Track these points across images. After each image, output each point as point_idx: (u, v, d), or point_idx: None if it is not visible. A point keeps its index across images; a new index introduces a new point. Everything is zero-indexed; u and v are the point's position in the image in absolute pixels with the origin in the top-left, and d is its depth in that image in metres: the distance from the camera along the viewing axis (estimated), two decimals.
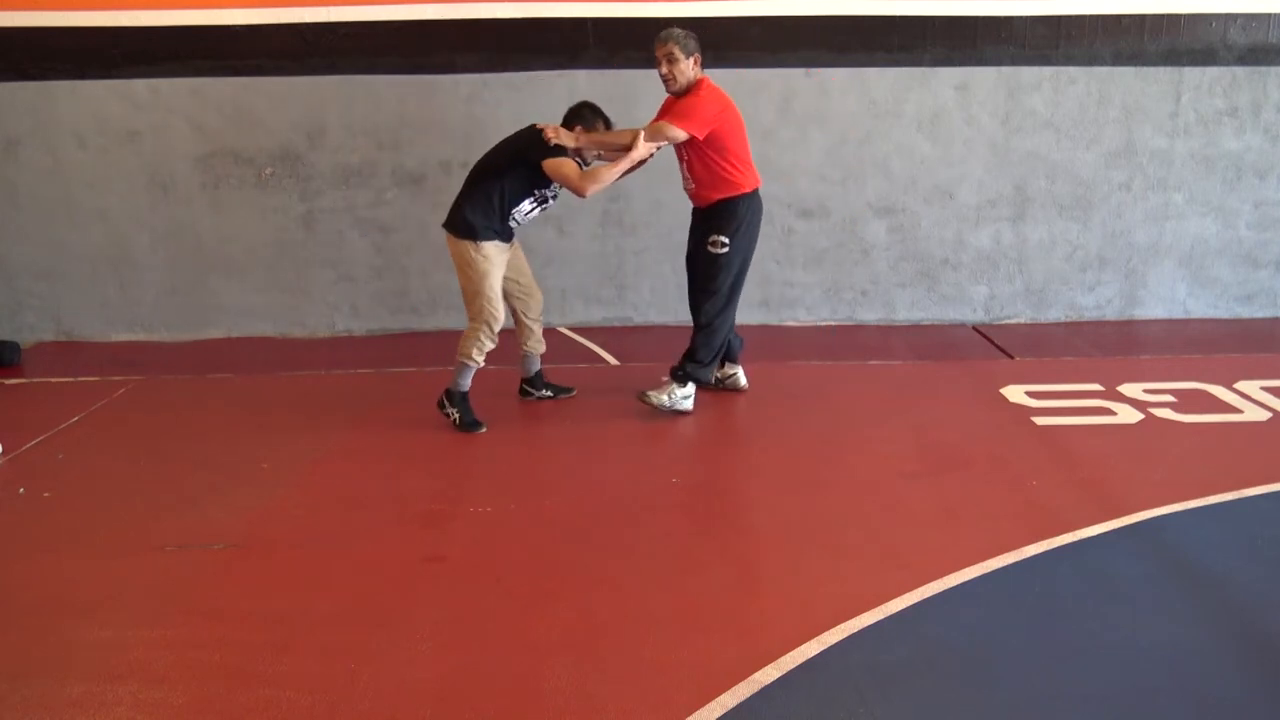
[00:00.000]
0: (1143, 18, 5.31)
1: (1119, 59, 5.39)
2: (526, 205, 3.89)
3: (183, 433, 4.08)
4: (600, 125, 3.94)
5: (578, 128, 3.88)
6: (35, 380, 4.93)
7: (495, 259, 3.87)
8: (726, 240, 4.00)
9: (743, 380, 4.46)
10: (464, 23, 5.23)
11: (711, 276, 4.06)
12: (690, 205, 4.21)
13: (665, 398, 4.10)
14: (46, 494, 3.46)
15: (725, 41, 5.13)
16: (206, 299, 5.64)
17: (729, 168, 3.95)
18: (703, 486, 3.47)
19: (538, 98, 5.35)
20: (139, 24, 5.18)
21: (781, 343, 4.78)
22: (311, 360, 5.18)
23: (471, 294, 3.87)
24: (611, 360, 5.10)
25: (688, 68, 3.88)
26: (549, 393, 4.36)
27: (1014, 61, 5.38)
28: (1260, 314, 5.83)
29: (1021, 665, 2.35)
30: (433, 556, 2.94)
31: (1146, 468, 3.53)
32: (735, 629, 2.50)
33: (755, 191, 4.05)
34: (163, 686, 2.30)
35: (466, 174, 3.99)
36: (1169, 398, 4.27)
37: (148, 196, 5.48)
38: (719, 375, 4.44)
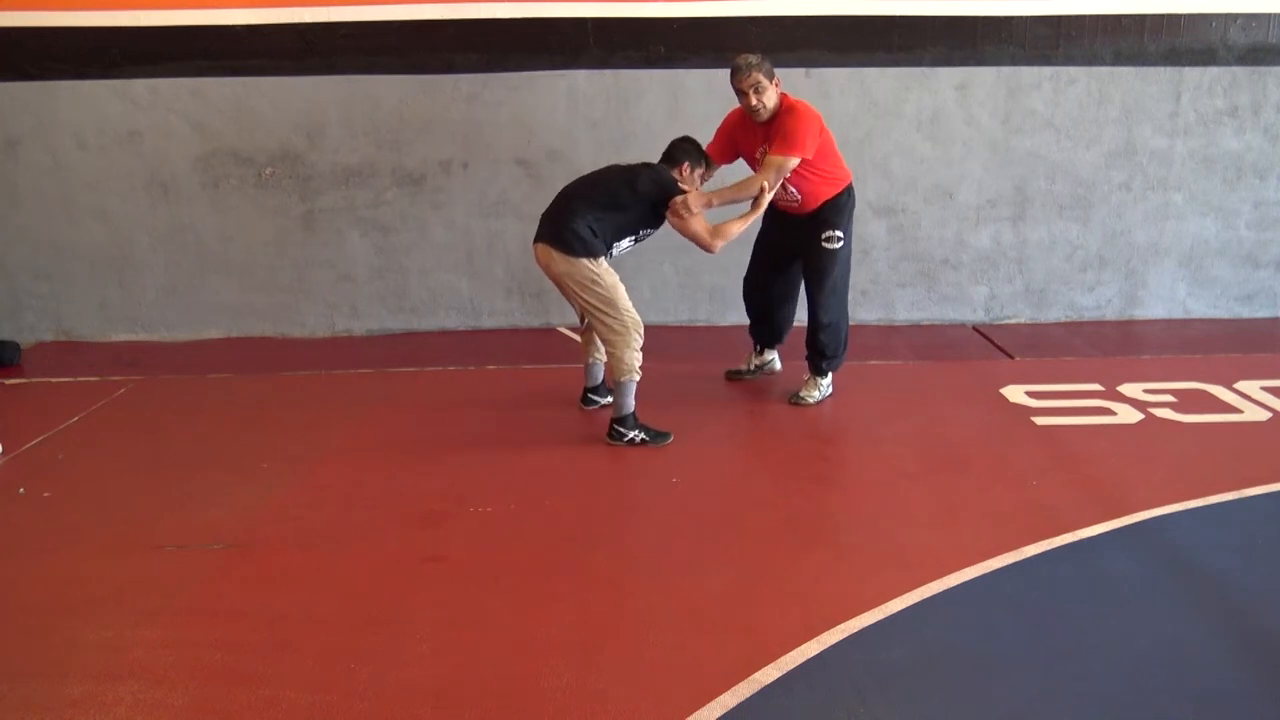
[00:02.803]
0: (1143, 18, 5.31)
1: (1119, 59, 5.39)
2: (626, 242, 3.91)
3: (183, 433, 4.08)
4: (704, 164, 3.96)
5: (699, 177, 3.91)
6: (35, 380, 4.93)
7: (612, 268, 3.86)
8: (841, 234, 4.10)
9: (778, 364, 4.70)
10: (464, 23, 5.22)
11: (828, 272, 4.14)
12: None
13: (816, 393, 4.31)
14: (46, 494, 3.46)
15: (724, 41, 5.13)
16: (206, 299, 5.64)
17: (830, 170, 4.04)
18: (703, 486, 3.46)
19: (538, 98, 5.35)
20: (139, 24, 5.18)
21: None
22: (311, 360, 5.18)
23: (608, 306, 3.75)
24: None
25: (774, 93, 3.87)
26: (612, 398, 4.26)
27: (1014, 61, 5.38)
28: (1260, 314, 5.83)
29: (1021, 665, 2.35)
30: (433, 556, 2.94)
31: (1146, 468, 3.53)
32: (735, 629, 2.50)
33: (851, 182, 4.17)
34: (163, 686, 2.30)
35: (561, 190, 3.89)
36: (1169, 398, 4.27)
37: (148, 196, 5.48)
38: (758, 363, 4.67)
